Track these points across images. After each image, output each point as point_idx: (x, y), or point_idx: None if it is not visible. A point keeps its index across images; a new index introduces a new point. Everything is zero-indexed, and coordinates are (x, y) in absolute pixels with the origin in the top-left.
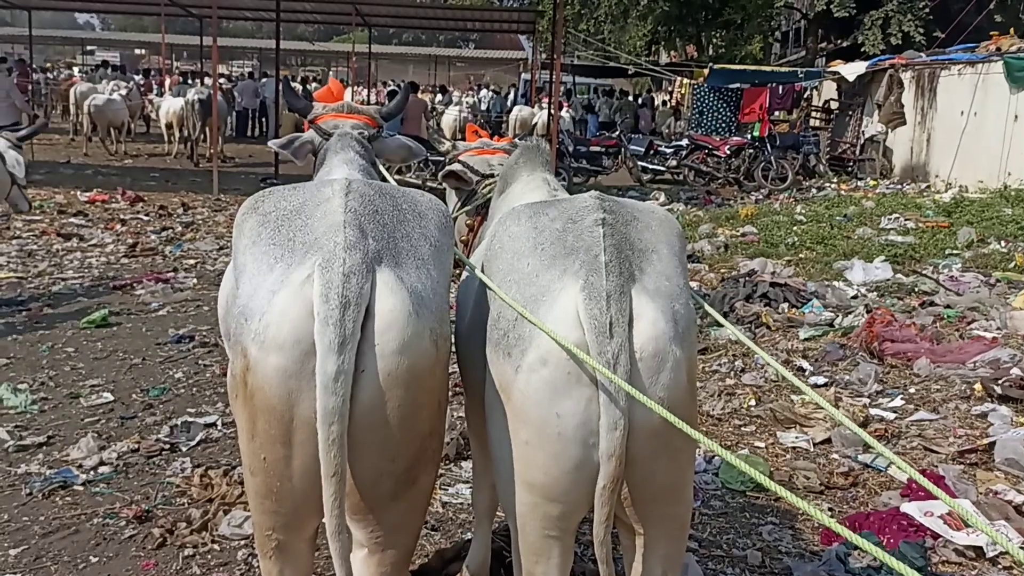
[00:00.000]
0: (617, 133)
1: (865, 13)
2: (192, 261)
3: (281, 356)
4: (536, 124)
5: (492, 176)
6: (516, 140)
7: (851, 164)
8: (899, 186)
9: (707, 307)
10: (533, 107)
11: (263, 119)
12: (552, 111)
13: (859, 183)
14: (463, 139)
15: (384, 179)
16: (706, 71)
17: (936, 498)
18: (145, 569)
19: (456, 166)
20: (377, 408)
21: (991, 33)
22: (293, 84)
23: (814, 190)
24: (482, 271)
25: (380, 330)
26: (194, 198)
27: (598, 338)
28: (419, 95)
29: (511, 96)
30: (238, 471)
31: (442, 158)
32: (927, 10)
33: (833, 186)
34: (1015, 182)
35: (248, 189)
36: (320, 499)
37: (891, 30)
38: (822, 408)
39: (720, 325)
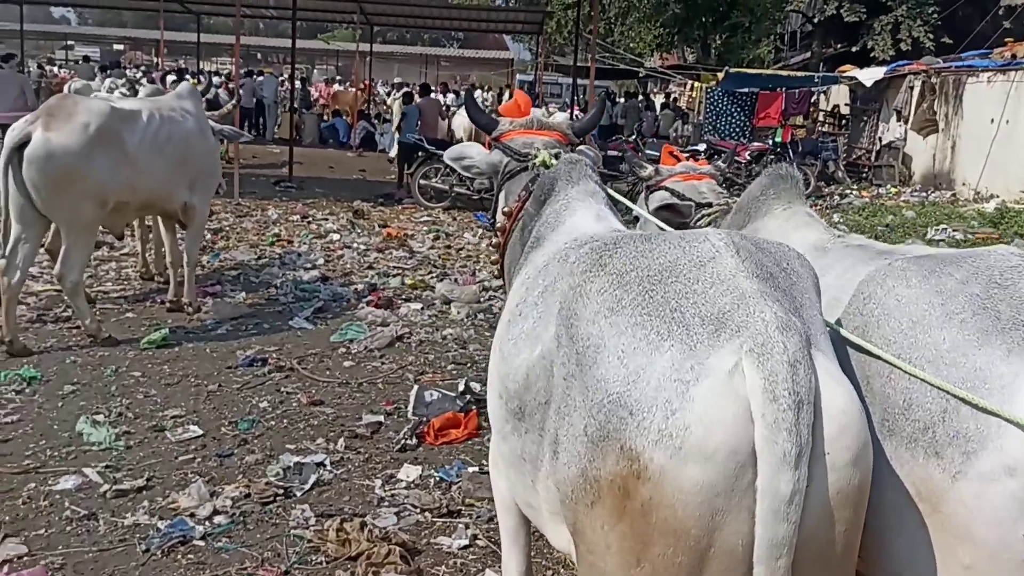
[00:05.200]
0: (634, 137)
1: (875, 18)
2: (234, 272)
3: (708, 468)
4: None
5: (708, 205)
6: (720, 164)
7: (866, 170)
8: (922, 194)
9: None
10: (540, 109)
11: (260, 119)
12: (573, 116)
13: (879, 190)
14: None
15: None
16: (721, 74)
17: None
18: None
19: (663, 194)
20: (822, 535)
21: (1006, 40)
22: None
23: (836, 197)
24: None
25: (832, 436)
26: (212, 202)
27: None
28: (431, 96)
29: (506, 97)
30: (374, 523)
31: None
32: (935, 16)
33: (855, 193)
34: None
35: (265, 192)
36: None
37: (901, 35)
38: None
39: None
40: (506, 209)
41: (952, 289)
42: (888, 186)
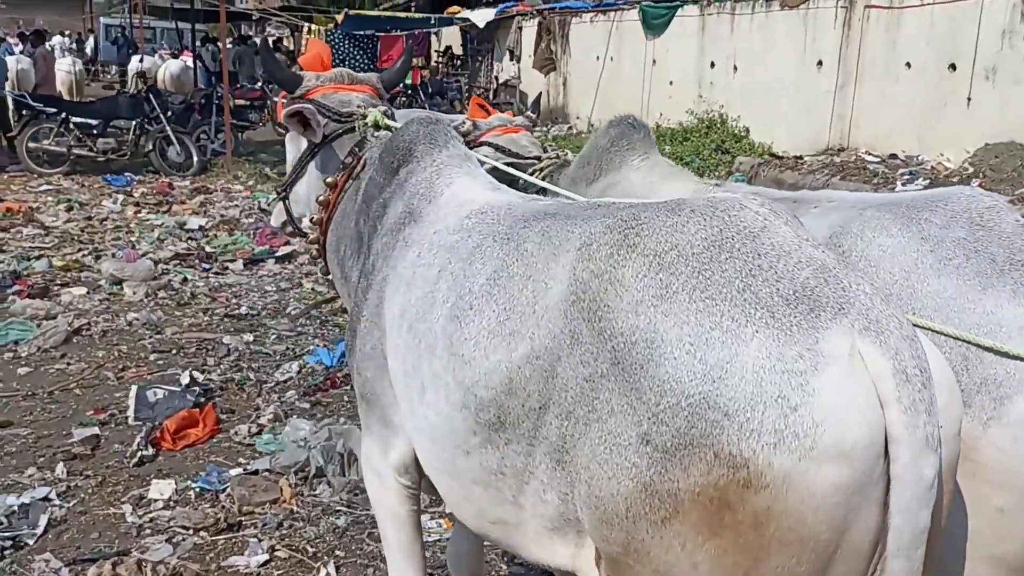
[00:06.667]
0: (261, 84)
1: None
2: None
3: (846, 466)
4: (164, 78)
5: (537, 159)
6: (530, 114)
7: None
8: (543, 128)
9: None
10: (154, 57)
11: None
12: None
13: None
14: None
15: None
16: (339, 16)
17: None
18: None
19: (488, 151)
20: (936, 511)
21: None
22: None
23: None
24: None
25: (944, 408)
26: None
27: None
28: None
29: (91, 44)
30: (145, 559)
31: None
32: None
33: None
34: (664, 121)
35: None
36: None
37: None
38: None
39: None
40: (330, 180)
41: (937, 235)
42: None
